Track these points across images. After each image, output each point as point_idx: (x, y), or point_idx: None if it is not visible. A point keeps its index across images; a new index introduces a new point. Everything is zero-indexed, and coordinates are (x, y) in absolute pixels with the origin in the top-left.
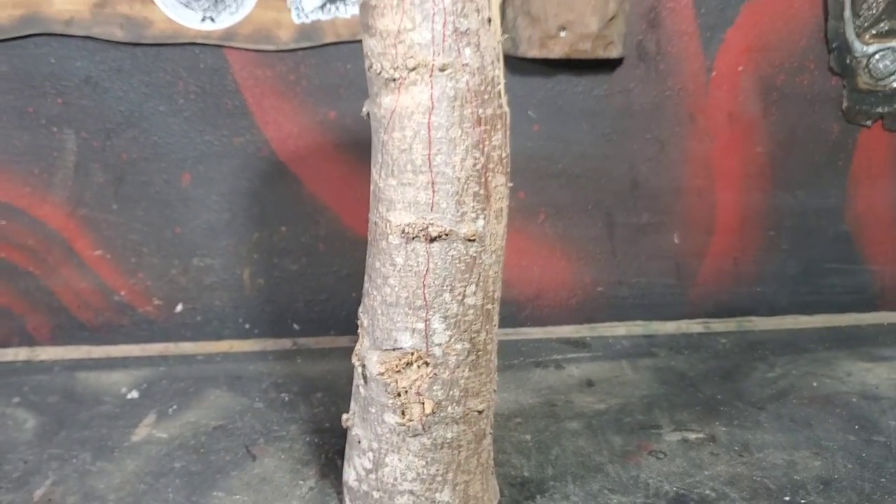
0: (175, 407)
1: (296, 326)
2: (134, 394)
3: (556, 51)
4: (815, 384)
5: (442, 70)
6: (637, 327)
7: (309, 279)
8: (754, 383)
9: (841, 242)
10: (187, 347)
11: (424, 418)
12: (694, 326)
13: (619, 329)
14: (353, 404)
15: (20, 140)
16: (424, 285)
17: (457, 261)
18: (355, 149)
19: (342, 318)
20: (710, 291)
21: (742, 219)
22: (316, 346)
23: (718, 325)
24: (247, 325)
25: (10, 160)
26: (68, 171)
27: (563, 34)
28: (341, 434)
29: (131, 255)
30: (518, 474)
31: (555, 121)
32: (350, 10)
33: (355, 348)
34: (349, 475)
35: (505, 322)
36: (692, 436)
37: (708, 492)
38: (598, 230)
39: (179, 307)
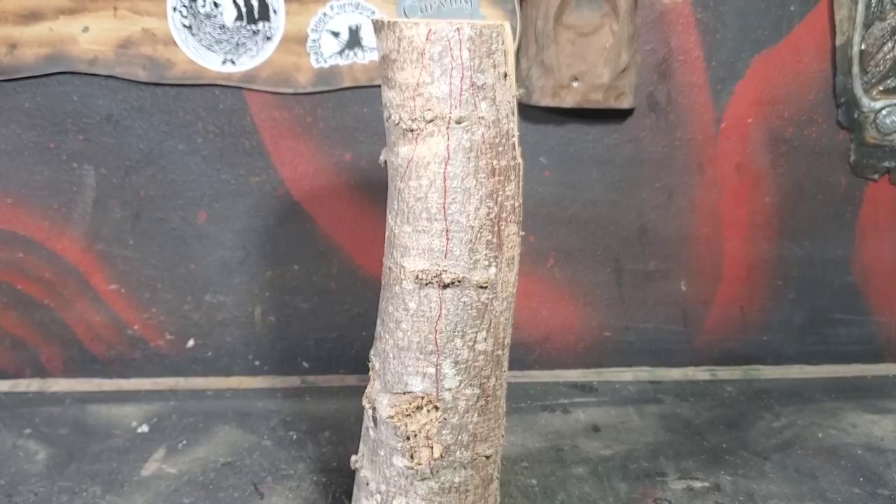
0: (184, 442)
1: (305, 364)
2: (144, 428)
3: (568, 100)
4: (820, 435)
5: (458, 122)
6: (643, 373)
7: (320, 317)
8: (760, 433)
9: (847, 293)
10: (197, 382)
11: (433, 462)
12: (700, 374)
13: (626, 374)
14: (361, 446)
15: (41, 175)
16: (436, 331)
17: (469, 307)
18: (369, 190)
19: (351, 357)
20: (716, 339)
21: (749, 268)
22: (325, 385)
23: (724, 373)
24: (256, 362)
25: (30, 194)
26: (87, 206)
27: (575, 84)
28: (349, 474)
29: (145, 290)
30: None
31: (566, 168)
32: (368, 56)
33: (366, 390)
34: None
35: (513, 365)
36: (697, 484)
37: None
38: (607, 276)
39: (191, 342)
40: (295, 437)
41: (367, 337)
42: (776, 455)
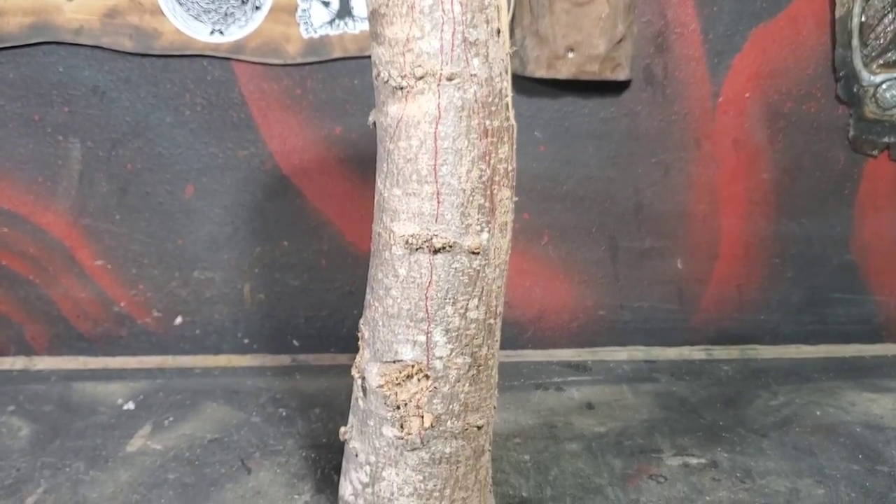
0: (171, 419)
1: (295, 343)
2: (130, 405)
3: (563, 71)
4: (818, 413)
5: (450, 79)
6: (638, 352)
7: (310, 295)
8: (757, 411)
9: (846, 272)
10: (185, 361)
11: (423, 432)
12: (696, 353)
13: (621, 354)
14: (351, 417)
15: (25, 148)
16: (427, 297)
17: (460, 273)
18: (360, 164)
19: (343, 336)
20: (712, 318)
21: (746, 246)
22: (315, 363)
23: (721, 353)
24: (246, 340)
25: (14, 167)
26: (72, 179)
27: (570, 55)
28: (338, 450)
29: (132, 266)
30: (516, 494)
31: (561, 142)
32: (359, 26)
33: (355, 360)
34: (345, 489)
35: (506, 344)
36: (693, 461)
37: None
38: (602, 253)
39: (179, 320)
40: (284, 413)
41: (358, 314)
42: (774, 432)
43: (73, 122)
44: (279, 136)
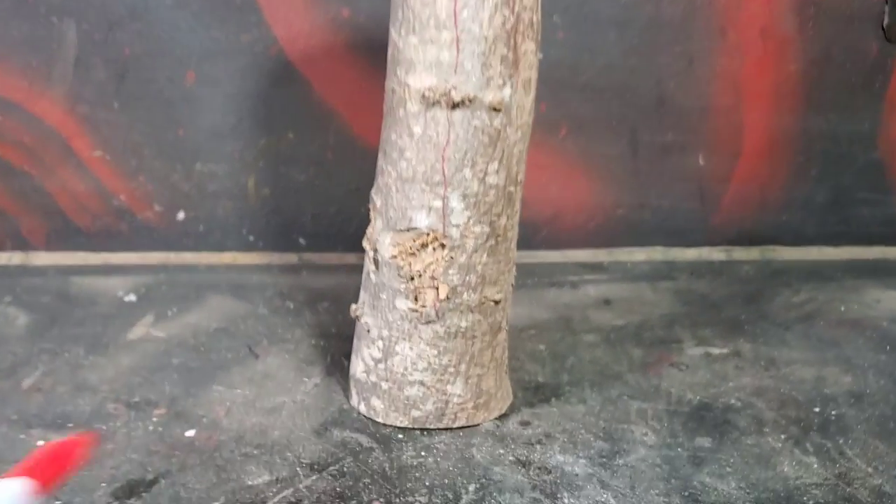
0: (175, 310)
1: (302, 241)
2: (131, 297)
3: None
4: (842, 308)
5: None
6: (657, 253)
7: (316, 191)
8: (779, 306)
9: (873, 171)
10: (188, 258)
11: (438, 304)
12: (716, 254)
13: (639, 255)
14: (362, 293)
15: (18, 30)
16: (444, 158)
17: (480, 132)
18: (369, 51)
19: (350, 235)
20: (733, 218)
21: (770, 142)
22: (322, 263)
23: (741, 254)
24: (251, 238)
25: (7, 51)
26: (68, 64)
27: None
28: (348, 338)
29: (132, 157)
30: (532, 379)
31: (580, 29)
32: None
33: (367, 232)
34: (357, 367)
35: (519, 244)
36: (715, 351)
37: (733, 401)
38: (622, 148)
39: (181, 215)
40: (292, 306)
41: (366, 213)
42: (797, 326)
43: (68, 3)
44: (284, 19)
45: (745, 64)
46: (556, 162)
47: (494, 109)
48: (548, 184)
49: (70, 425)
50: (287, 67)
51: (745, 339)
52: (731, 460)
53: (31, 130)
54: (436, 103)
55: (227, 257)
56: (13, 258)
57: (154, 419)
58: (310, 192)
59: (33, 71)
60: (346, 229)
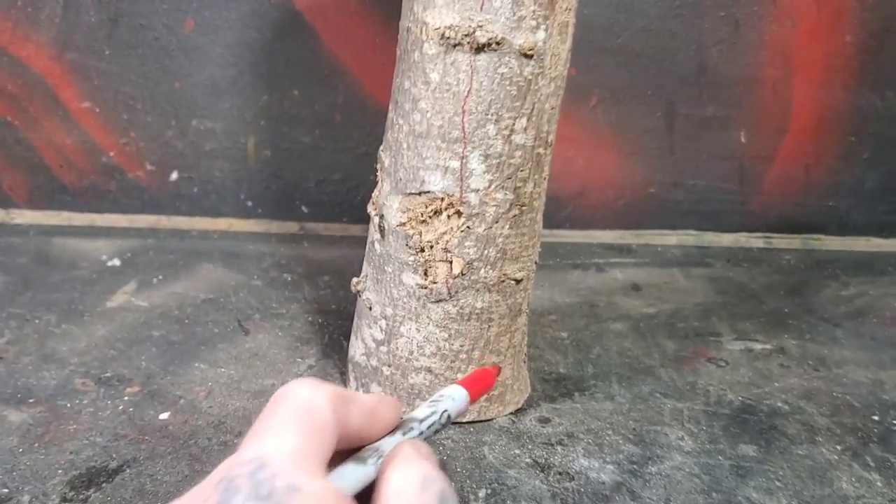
0: (161, 277)
1: (304, 209)
2: (115, 261)
3: None
4: None
5: None
6: (689, 237)
7: (322, 155)
8: (826, 300)
9: None
10: (181, 222)
11: (451, 281)
12: (753, 241)
13: (670, 238)
14: (365, 265)
15: None
16: (464, 111)
17: (507, 82)
18: (384, 3)
19: (356, 204)
20: (774, 202)
21: (819, 119)
22: (325, 233)
23: (781, 242)
24: (249, 203)
25: None
26: (56, 6)
27: None
28: (349, 316)
29: (123, 111)
30: (553, 370)
31: None
32: None
33: (372, 195)
34: (356, 349)
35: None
36: (757, 346)
37: (780, 404)
38: (657, 121)
39: (174, 175)
40: (289, 279)
41: (375, 181)
42: (848, 322)
43: None
44: None
45: (796, 32)
46: (585, 133)
47: (525, 55)
48: (574, 157)
49: (31, 400)
50: (294, 17)
51: (789, 334)
52: (781, 473)
53: (14, 77)
54: (457, 45)
55: (222, 223)
56: None
57: (125, 398)
58: (314, 155)
59: (18, 11)
60: (353, 198)
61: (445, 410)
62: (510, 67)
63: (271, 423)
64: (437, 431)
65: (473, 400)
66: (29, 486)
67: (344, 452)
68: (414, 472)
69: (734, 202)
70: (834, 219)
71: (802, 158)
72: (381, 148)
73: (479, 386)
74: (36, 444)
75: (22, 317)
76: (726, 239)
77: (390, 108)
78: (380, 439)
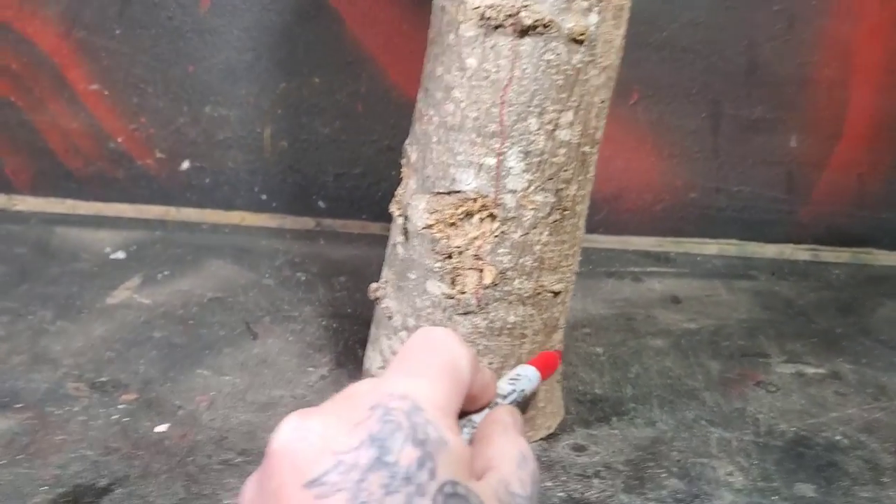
0: (166, 273)
1: (321, 204)
2: (119, 254)
3: None
4: None
5: None
6: (731, 247)
7: (341, 147)
8: (882, 320)
9: None
10: (190, 214)
11: (481, 292)
12: (800, 253)
13: (710, 247)
14: (385, 270)
15: None
16: (503, 102)
17: (553, 70)
18: None
19: (377, 201)
20: (824, 212)
21: (877, 126)
22: (343, 231)
23: (829, 255)
24: (263, 196)
25: None
26: None
27: None
28: (366, 321)
29: (133, 94)
30: (588, 391)
31: None
32: None
33: (396, 193)
34: (372, 362)
35: None
36: (810, 370)
37: (838, 437)
38: (701, 121)
39: (185, 164)
40: (303, 278)
41: (396, 177)
42: None
43: None
44: None
45: (857, 29)
46: (624, 132)
47: (575, 41)
48: (612, 157)
49: (18, 405)
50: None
51: (844, 358)
52: None
53: (19, 55)
54: (499, 27)
55: (235, 217)
56: None
57: (120, 406)
58: (334, 148)
59: None
60: (373, 194)
61: (524, 389)
62: (557, 54)
63: (420, 367)
64: None
65: (544, 379)
66: None
67: None
68: (513, 445)
69: (781, 211)
70: (888, 232)
71: (856, 167)
72: (408, 141)
73: (547, 367)
74: (20, 456)
75: (15, 311)
76: (770, 250)
77: (419, 96)
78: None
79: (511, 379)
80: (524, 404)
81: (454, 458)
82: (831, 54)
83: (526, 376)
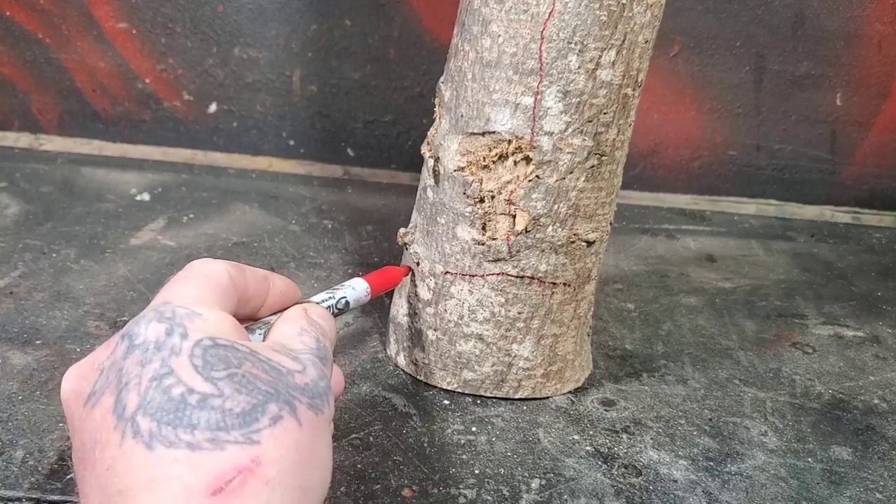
0: (191, 216)
1: (350, 152)
2: (144, 196)
3: None
4: None
5: None
6: (769, 207)
7: (372, 93)
8: None
9: None
10: (217, 158)
11: (513, 238)
12: (840, 215)
13: (748, 207)
14: (415, 214)
15: None
16: (543, 38)
17: (597, 5)
18: None
19: (407, 150)
20: (867, 174)
21: None
22: (371, 179)
23: (870, 218)
24: (291, 142)
25: None
26: None
27: None
28: None
29: (161, 34)
30: (618, 346)
31: None
32: None
33: (428, 134)
34: (398, 309)
35: None
36: (848, 333)
37: (876, 401)
38: (744, 76)
39: (213, 107)
40: (330, 226)
41: (428, 125)
42: None
43: None
44: None
45: None
46: (662, 84)
47: None
48: (649, 110)
49: (38, 342)
50: None
51: (884, 321)
52: (882, 483)
53: None
54: None
55: (262, 162)
56: (20, 140)
57: None
58: (364, 93)
59: None
60: (403, 142)
61: (344, 297)
62: None
63: (173, 283)
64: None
65: (374, 294)
66: (24, 440)
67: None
68: (294, 322)
69: (822, 171)
70: None
71: None
72: (442, 79)
73: (382, 281)
74: (37, 392)
75: (39, 249)
76: (810, 211)
77: (455, 31)
78: (274, 314)
79: (332, 288)
80: (347, 312)
81: (212, 324)
82: (883, 8)
83: (350, 286)
